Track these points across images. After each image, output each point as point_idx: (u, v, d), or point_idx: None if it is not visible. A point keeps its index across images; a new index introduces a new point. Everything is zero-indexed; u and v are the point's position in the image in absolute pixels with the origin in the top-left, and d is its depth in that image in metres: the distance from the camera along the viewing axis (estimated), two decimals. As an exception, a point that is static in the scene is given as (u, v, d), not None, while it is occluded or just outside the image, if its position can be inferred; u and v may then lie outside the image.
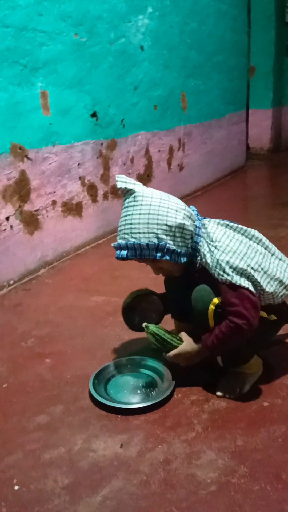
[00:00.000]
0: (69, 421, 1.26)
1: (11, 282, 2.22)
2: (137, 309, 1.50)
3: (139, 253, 1.26)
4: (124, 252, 1.28)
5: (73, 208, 2.60)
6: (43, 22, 2.22)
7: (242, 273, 1.21)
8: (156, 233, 1.24)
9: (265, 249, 1.32)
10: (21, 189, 2.21)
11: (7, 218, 2.15)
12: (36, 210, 2.33)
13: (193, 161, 3.96)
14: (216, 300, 1.24)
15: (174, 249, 1.26)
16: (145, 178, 3.27)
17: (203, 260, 1.27)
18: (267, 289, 1.24)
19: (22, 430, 1.23)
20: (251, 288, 1.20)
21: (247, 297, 1.19)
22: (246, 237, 1.31)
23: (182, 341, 1.33)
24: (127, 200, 1.30)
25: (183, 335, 1.35)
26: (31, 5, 2.13)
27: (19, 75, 2.13)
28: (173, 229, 1.25)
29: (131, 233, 1.26)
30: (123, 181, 1.30)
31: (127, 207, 1.30)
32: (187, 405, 1.30)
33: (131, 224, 1.27)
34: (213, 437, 1.17)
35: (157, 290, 1.55)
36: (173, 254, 1.26)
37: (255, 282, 1.22)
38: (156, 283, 1.58)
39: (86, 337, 1.71)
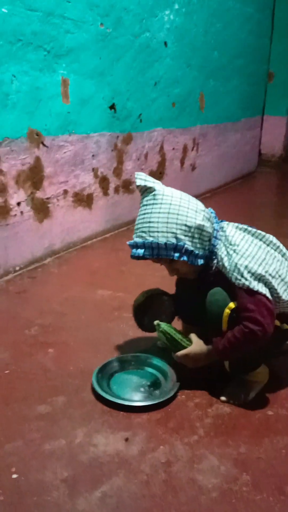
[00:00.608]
0: (70, 413, 1.24)
1: (17, 268, 2.19)
2: (148, 309, 1.48)
3: (156, 252, 1.24)
4: (140, 251, 1.26)
5: (83, 199, 2.57)
6: (71, 9, 2.19)
7: (260, 278, 1.19)
8: (175, 233, 1.22)
9: (282, 256, 1.30)
10: (34, 176, 2.19)
11: (18, 204, 2.13)
12: (48, 198, 2.30)
13: (205, 162, 3.94)
14: (232, 305, 1.23)
15: (192, 250, 1.24)
16: (157, 175, 3.25)
17: (220, 263, 1.25)
18: (283, 297, 1.22)
19: (23, 418, 1.21)
20: (268, 295, 1.18)
21: (264, 304, 1.17)
22: (264, 242, 1.29)
23: (192, 343, 1.31)
24: (146, 198, 1.28)
25: (193, 336, 1.33)
26: (61, -10, 2.11)
27: (43, 60, 2.10)
28: (192, 230, 1.23)
29: (149, 231, 1.24)
30: (142, 178, 1.28)
31: (146, 205, 1.27)
32: (191, 407, 1.28)
33: (149, 222, 1.25)
34: (216, 443, 1.16)
35: (165, 289, 1.53)
36: (191, 255, 1.24)
37: (272, 289, 1.21)
38: (164, 282, 1.56)
39: (91, 330, 1.69)
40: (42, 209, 2.28)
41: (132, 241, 1.29)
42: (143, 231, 1.26)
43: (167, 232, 1.22)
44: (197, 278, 1.34)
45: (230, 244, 1.25)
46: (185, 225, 1.23)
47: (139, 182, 1.28)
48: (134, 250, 1.27)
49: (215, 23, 3.63)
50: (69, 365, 1.46)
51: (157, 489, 1.01)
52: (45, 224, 2.32)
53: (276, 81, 5.84)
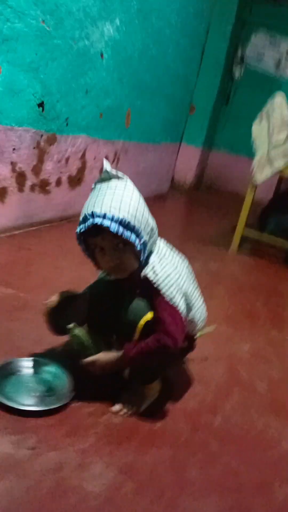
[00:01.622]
0: None
1: None
2: (63, 311, 1.43)
3: (121, 230, 1.19)
4: (107, 222, 1.18)
5: (-3, 192, 2.48)
6: (15, -3, 2.14)
7: (183, 295, 1.27)
8: (140, 222, 1.22)
9: (193, 280, 1.40)
10: None
11: None
12: None
13: (123, 177, 4.02)
14: (149, 316, 1.27)
15: (146, 245, 1.25)
16: (75, 181, 3.25)
17: (150, 271, 1.27)
18: (195, 319, 1.32)
19: None
20: (185, 313, 1.26)
21: (180, 319, 1.25)
22: (183, 261, 1.39)
23: (100, 350, 1.34)
24: (114, 183, 1.24)
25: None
26: (7, -23, 2.05)
27: (-23, 42, 2.02)
28: (150, 228, 1.26)
29: (120, 208, 1.19)
30: (109, 167, 1.26)
31: (117, 188, 1.22)
32: (84, 415, 1.30)
33: (121, 201, 1.20)
34: (106, 451, 1.19)
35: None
36: (144, 249, 1.25)
37: (189, 307, 1.29)
38: (72, 286, 1.55)
39: (-11, 328, 1.63)
40: None
41: (99, 211, 1.19)
42: (113, 206, 1.19)
43: (135, 217, 1.21)
44: (118, 284, 1.36)
45: (163, 256, 1.31)
46: (147, 221, 1.25)
47: (109, 168, 1.24)
48: (99, 220, 1.19)
49: (152, 48, 3.78)
50: None
51: (44, 494, 1.01)
52: None
53: (197, 114, 6.22)
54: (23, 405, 1.26)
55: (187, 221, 4.96)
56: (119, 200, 1.20)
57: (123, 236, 1.20)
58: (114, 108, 3.47)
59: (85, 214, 1.22)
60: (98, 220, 1.19)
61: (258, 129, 3.38)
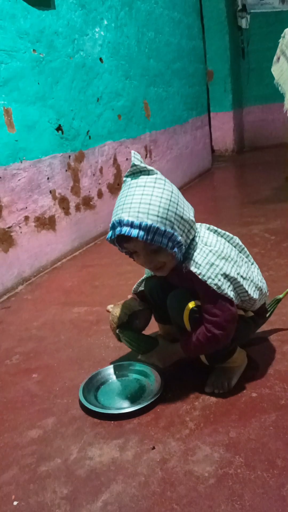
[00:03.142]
0: (62, 432, 1.25)
1: (-10, 301, 2.19)
2: (131, 325, 1.45)
3: (152, 237, 1.13)
4: (135, 231, 1.12)
5: (46, 222, 2.59)
6: (0, 40, 2.23)
7: (231, 282, 1.23)
8: (172, 222, 1.15)
9: (246, 257, 1.36)
10: (-8, 207, 2.20)
11: (-19, 238, 2.13)
12: (9, 227, 2.31)
13: (160, 167, 4.02)
14: (190, 305, 1.26)
15: (182, 244, 1.19)
16: (116, 187, 3.30)
17: (193, 263, 1.22)
18: (254, 296, 1.28)
19: (15, 446, 1.22)
20: (234, 300, 1.24)
21: (228, 309, 1.22)
22: (231, 244, 1.33)
23: (157, 343, 1.35)
24: (142, 179, 1.18)
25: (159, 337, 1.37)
26: (-12, 24, 2.14)
27: (-19, 94, 2.13)
28: (185, 224, 1.19)
29: (148, 213, 1.13)
30: (138, 159, 1.21)
31: (146, 186, 1.16)
32: (178, 404, 1.31)
33: (149, 204, 1.13)
34: (207, 432, 1.19)
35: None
36: (180, 248, 1.19)
37: (242, 291, 1.26)
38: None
39: (72, 349, 1.71)
40: (5, 239, 2.28)
41: (127, 219, 1.14)
42: (141, 212, 1.13)
43: (166, 219, 1.14)
44: (164, 278, 1.37)
45: (206, 245, 1.25)
46: (182, 218, 1.18)
47: (137, 162, 1.19)
48: (125, 229, 1.14)
49: (146, 32, 3.74)
50: (55, 386, 1.47)
51: (156, 487, 1.04)
52: (11, 253, 2.33)
53: (216, 79, 6.03)
54: (119, 409, 1.31)
55: (238, 187, 4.82)
56: (147, 202, 1.14)
57: (153, 242, 1.15)
58: (129, 105, 3.48)
59: (113, 221, 1.18)
60: (125, 230, 1.14)
61: (278, 69, 3.21)
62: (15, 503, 1.04)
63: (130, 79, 3.48)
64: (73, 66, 2.79)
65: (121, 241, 1.22)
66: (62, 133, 2.71)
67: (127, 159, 3.44)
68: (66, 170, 2.76)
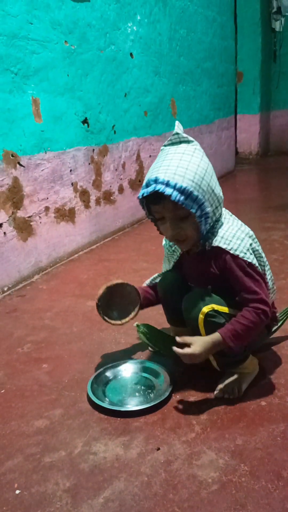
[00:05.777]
0: (68, 424, 1.26)
1: (5, 288, 2.21)
2: (112, 301, 1.42)
3: (183, 199, 1.13)
4: (169, 190, 1.12)
5: (66, 214, 2.60)
6: (34, 30, 2.24)
7: (258, 259, 1.24)
8: (205, 192, 1.16)
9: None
10: (14, 196, 2.22)
11: (1, 225, 2.15)
12: (29, 217, 2.33)
13: (184, 166, 3.99)
14: (205, 309, 1.24)
15: (209, 216, 1.19)
16: (137, 183, 3.29)
17: (221, 238, 1.22)
18: (269, 284, 1.27)
19: (21, 434, 1.23)
20: (264, 277, 1.24)
21: (263, 286, 1.22)
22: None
23: (175, 340, 1.33)
24: (184, 147, 1.18)
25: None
26: (22, 13, 2.15)
27: (11, 82, 2.14)
28: (214, 198, 1.20)
29: (184, 176, 1.13)
30: (181, 129, 1.22)
31: (185, 154, 1.16)
32: (186, 406, 1.31)
33: (186, 169, 1.14)
34: (213, 437, 1.18)
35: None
36: (206, 220, 1.19)
37: (264, 272, 1.26)
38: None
39: (83, 342, 1.71)
40: (25, 228, 2.30)
41: (163, 178, 1.13)
42: (177, 174, 1.13)
43: (200, 187, 1.15)
44: (181, 275, 1.35)
45: (232, 224, 1.26)
46: (213, 191, 1.18)
47: (179, 131, 1.20)
48: (161, 187, 1.13)
49: (179, 30, 3.71)
50: (64, 378, 1.48)
51: (158, 489, 1.03)
52: (30, 242, 2.34)
53: (246, 81, 5.96)
54: (126, 406, 1.30)
55: (260, 191, 4.76)
56: (185, 166, 1.14)
57: (184, 206, 1.15)
58: (156, 102, 3.46)
59: (148, 179, 1.17)
60: (160, 187, 1.13)
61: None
62: (17, 491, 1.04)
63: (159, 75, 3.46)
64: (103, 59, 2.79)
65: (151, 202, 1.21)
66: (88, 126, 2.71)
67: (150, 155, 3.43)
68: (89, 164, 2.77)
